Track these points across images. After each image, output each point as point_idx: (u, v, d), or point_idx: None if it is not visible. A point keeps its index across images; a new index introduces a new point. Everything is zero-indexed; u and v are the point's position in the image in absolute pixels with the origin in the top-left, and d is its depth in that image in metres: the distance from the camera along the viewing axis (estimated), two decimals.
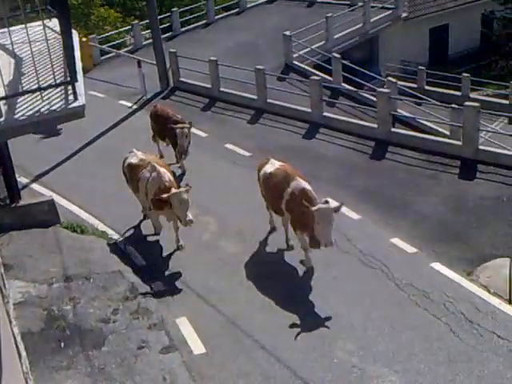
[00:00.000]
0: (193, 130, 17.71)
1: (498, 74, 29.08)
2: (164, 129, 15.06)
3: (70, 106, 5.45)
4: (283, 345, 9.30)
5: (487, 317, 9.63)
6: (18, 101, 5.52)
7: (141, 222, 12.84)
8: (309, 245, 10.54)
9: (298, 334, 9.46)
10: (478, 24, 34.30)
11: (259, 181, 11.76)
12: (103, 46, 26.29)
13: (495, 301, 10.05)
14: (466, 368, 8.62)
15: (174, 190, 10.92)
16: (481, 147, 15.20)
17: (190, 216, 10.75)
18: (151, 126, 15.86)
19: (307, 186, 10.59)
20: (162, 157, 15.20)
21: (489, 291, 10.31)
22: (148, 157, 12.29)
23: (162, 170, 11.55)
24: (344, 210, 12.95)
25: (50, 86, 5.59)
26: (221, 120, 18.87)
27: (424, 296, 10.14)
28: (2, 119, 5.19)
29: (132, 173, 12.14)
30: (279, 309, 10.15)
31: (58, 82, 5.64)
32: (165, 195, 10.83)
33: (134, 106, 20.29)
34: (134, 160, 12.20)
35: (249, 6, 32.21)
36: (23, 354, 7.67)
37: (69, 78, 5.55)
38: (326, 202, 10.13)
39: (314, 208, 9.91)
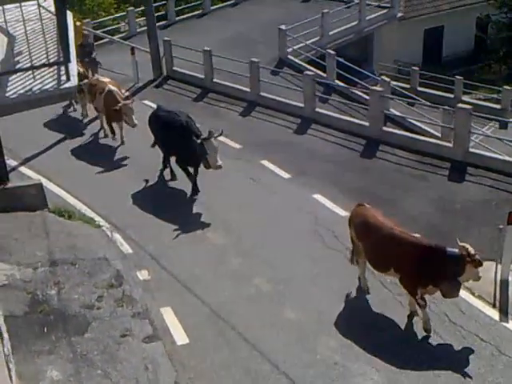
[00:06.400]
0: None
1: (491, 78, 29.15)
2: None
3: (62, 87, 5.39)
4: (266, 338, 9.29)
5: (471, 319, 9.66)
6: (11, 79, 5.45)
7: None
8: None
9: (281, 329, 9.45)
10: (473, 27, 34.33)
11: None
12: (97, 32, 26.07)
13: (479, 304, 10.09)
14: (447, 369, 8.64)
15: None
16: (471, 150, 15.23)
17: None
18: None
19: None
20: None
21: (473, 294, 10.33)
22: None
23: None
24: (332, 206, 13.07)
25: (42, 66, 5.54)
26: (213, 111, 18.76)
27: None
28: None
29: None
30: (265, 302, 10.15)
31: (51, 61, 5.58)
32: None
33: (126, 94, 20.09)
34: None
35: None
36: (5, 336, 7.62)
37: (62, 59, 5.49)
38: None
39: None
